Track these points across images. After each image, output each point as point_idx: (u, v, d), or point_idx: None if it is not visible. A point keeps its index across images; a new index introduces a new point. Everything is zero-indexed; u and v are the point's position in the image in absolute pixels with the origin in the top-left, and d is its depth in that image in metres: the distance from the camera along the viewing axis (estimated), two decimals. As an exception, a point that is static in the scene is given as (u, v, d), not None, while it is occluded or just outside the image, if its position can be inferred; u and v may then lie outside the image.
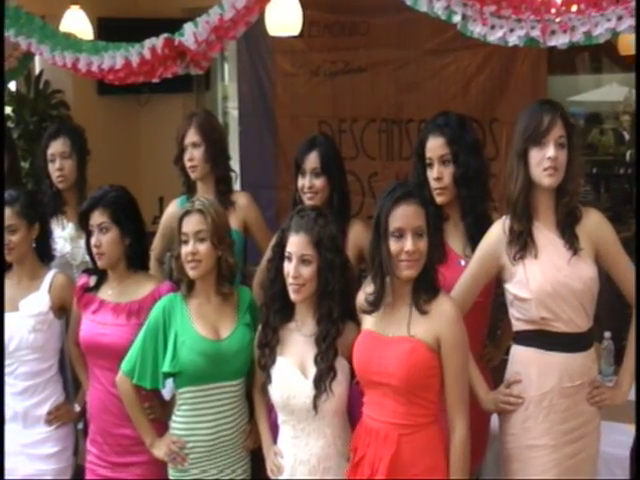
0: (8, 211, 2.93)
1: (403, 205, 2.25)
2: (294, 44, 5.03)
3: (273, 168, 5.26)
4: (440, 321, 2.25)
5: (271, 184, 5.16)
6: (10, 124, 4.83)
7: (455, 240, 2.66)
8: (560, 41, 2.55)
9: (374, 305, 2.32)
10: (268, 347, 2.48)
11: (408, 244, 2.23)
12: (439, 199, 2.63)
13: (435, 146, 2.62)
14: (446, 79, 4.75)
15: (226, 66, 5.75)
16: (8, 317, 2.96)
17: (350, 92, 5.02)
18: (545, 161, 2.34)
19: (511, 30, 2.67)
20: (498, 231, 2.46)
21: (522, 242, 2.39)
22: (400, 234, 2.25)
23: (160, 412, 2.71)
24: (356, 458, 2.35)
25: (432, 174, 2.62)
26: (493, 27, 2.70)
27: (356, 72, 4.99)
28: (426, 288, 2.28)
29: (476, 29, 2.72)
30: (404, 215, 2.25)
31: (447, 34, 4.48)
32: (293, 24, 4.40)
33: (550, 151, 2.34)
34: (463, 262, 2.60)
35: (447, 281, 2.49)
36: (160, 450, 2.61)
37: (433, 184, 2.62)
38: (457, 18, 2.73)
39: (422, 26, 4.59)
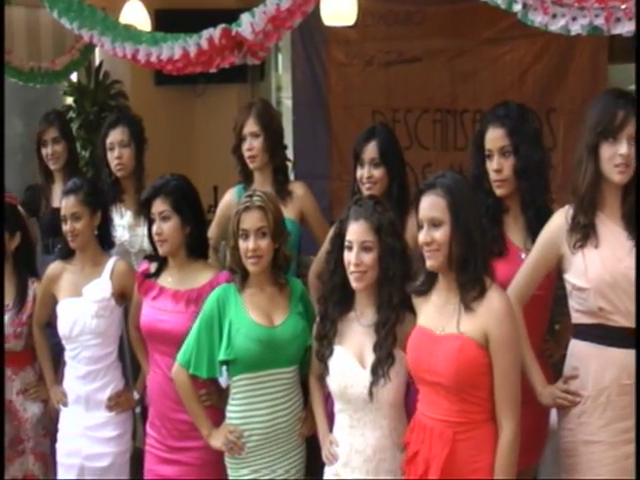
0: (72, 199, 3.00)
1: (424, 196, 2.27)
2: (348, 34, 5.03)
3: (326, 158, 5.26)
4: (489, 317, 2.22)
5: (324, 174, 5.17)
6: (72, 114, 4.94)
7: (515, 233, 2.62)
8: (625, 29, 2.46)
9: (418, 293, 2.35)
10: (326, 339, 2.49)
11: (422, 235, 2.25)
12: (499, 191, 2.59)
13: (495, 137, 2.58)
14: (502, 68, 4.68)
15: (280, 56, 5.76)
16: (72, 302, 3.04)
17: (404, 82, 4.98)
18: (617, 157, 2.28)
19: (573, 19, 2.59)
20: (560, 220, 2.41)
21: (584, 231, 2.35)
22: (421, 225, 2.27)
23: (217, 400, 2.74)
24: (409, 453, 2.34)
25: (492, 166, 2.58)
26: (555, 16, 2.63)
27: (410, 62, 4.95)
28: (472, 283, 2.24)
29: (537, 18, 2.66)
30: (422, 207, 2.26)
31: (503, 23, 4.43)
32: (348, 14, 4.40)
33: (622, 148, 2.28)
34: (524, 255, 2.55)
35: (508, 275, 2.46)
36: (217, 440, 2.64)
37: (493, 176, 2.59)
38: (517, 7, 2.67)
39: (478, 15, 4.53)
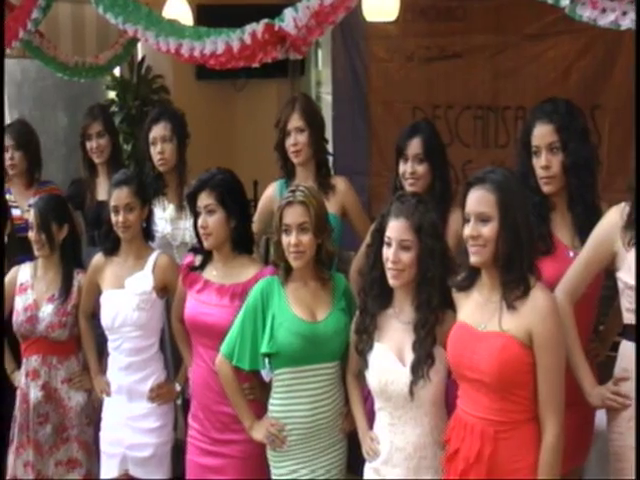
0: (126, 190, 3.03)
1: (472, 190, 2.24)
2: (388, 29, 5.00)
3: (366, 154, 5.23)
4: (533, 316, 2.19)
5: (363, 170, 5.14)
6: (114, 108, 4.99)
7: (563, 231, 2.58)
8: (680, 23, 2.42)
9: (460, 288, 2.33)
10: (366, 333, 2.49)
11: (468, 229, 2.22)
12: (546, 188, 2.56)
13: (543, 133, 2.54)
14: (545, 65, 4.62)
15: (320, 52, 5.75)
16: (115, 294, 3.08)
17: (445, 78, 4.94)
18: None
19: (624, 13, 2.54)
20: (614, 216, 2.37)
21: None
22: (468, 219, 2.24)
23: (260, 393, 2.75)
24: (450, 451, 2.33)
25: (539, 162, 2.55)
26: (604, 10, 2.59)
27: (451, 58, 4.91)
28: (516, 282, 2.21)
29: (585, 13, 2.61)
30: (470, 200, 2.24)
31: (547, 18, 4.37)
32: (390, 9, 4.38)
33: None
34: (572, 254, 2.52)
35: (555, 273, 2.43)
36: (259, 433, 2.65)
37: (540, 173, 2.55)
38: (565, 2, 2.62)
39: (521, 10, 4.48)
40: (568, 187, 2.55)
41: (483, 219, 2.22)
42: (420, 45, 5.02)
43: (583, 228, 2.50)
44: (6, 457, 3.25)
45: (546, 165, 2.54)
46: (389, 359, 2.43)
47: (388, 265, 2.39)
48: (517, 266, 2.21)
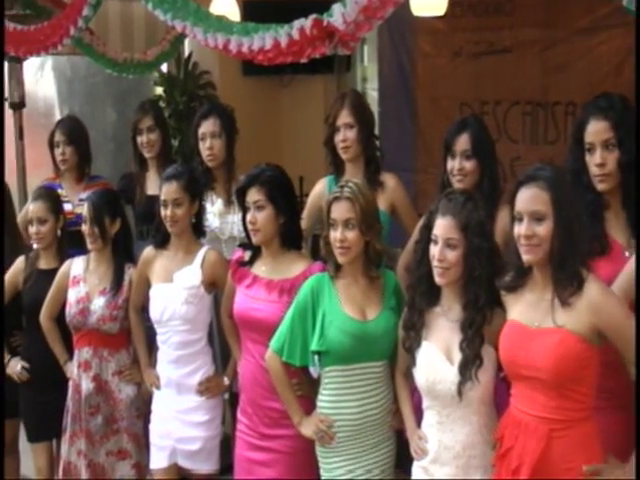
0: (174, 185, 3.05)
1: (524, 188, 2.20)
2: (436, 24, 4.95)
3: (412, 150, 5.20)
4: (592, 312, 2.15)
5: (410, 167, 5.10)
6: (161, 104, 5.04)
7: (618, 230, 2.51)
8: None
9: (509, 290, 2.29)
10: (413, 330, 2.48)
11: (523, 228, 2.18)
12: (601, 186, 2.49)
13: (598, 130, 2.48)
14: (597, 59, 4.52)
15: (365, 47, 5.73)
16: (163, 287, 3.11)
17: (493, 73, 4.87)
18: None
19: (684, 5, 2.47)
20: None
21: None
22: (520, 218, 2.20)
23: (308, 389, 2.75)
24: (502, 449, 2.30)
25: (594, 160, 2.49)
26: (664, 3, 2.52)
27: (500, 53, 4.83)
28: (570, 279, 2.18)
29: (646, 5, 2.55)
30: (522, 198, 2.20)
31: (600, 12, 4.28)
32: (438, 4, 4.33)
33: None
34: (628, 253, 2.45)
35: (611, 274, 2.36)
36: (308, 429, 2.66)
37: (595, 170, 2.49)
38: (622, -5, 2.57)
39: (572, 4, 4.40)
40: (623, 185, 2.49)
41: (538, 218, 2.18)
42: (468, 40, 4.96)
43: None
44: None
45: (601, 162, 2.47)
46: (437, 358, 2.41)
47: (434, 263, 2.38)
48: (570, 263, 2.18)
